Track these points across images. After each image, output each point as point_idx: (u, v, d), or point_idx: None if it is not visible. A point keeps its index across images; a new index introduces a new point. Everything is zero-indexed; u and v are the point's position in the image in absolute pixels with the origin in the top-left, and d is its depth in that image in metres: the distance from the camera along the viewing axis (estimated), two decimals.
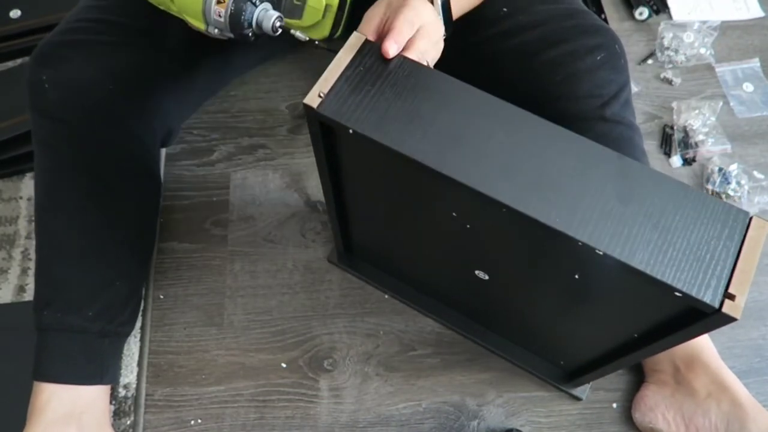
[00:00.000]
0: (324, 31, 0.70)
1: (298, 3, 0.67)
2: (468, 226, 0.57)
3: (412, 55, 0.53)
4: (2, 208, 0.99)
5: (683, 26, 1.10)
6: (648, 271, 0.44)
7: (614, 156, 0.49)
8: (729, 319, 0.44)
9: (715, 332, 0.81)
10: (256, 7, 0.55)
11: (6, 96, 1.01)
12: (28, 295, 0.92)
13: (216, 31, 0.55)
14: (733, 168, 0.98)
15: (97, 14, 0.75)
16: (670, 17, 1.14)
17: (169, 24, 0.76)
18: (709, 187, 0.97)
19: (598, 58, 0.74)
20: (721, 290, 0.44)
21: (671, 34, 1.09)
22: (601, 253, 0.45)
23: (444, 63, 0.60)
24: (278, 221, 0.97)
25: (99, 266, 0.78)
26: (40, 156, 0.76)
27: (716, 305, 0.44)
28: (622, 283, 0.51)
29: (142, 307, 0.89)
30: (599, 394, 0.85)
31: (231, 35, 0.56)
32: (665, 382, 0.79)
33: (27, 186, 1.00)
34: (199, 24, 0.56)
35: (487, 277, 0.66)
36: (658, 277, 0.44)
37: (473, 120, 0.50)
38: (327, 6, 0.68)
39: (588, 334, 0.68)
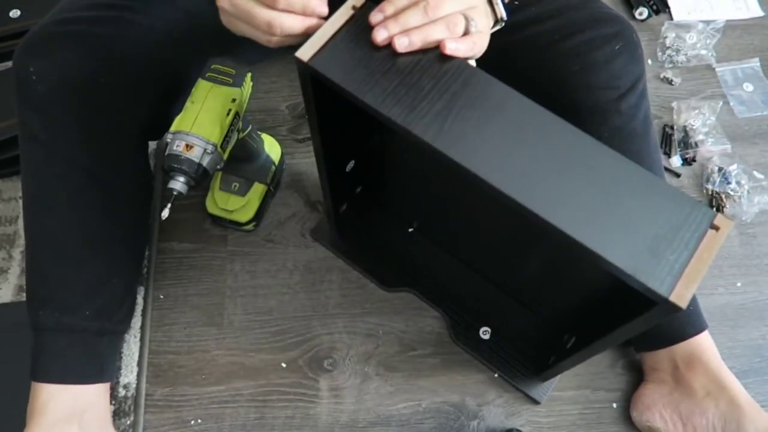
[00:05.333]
0: (215, 212, 0.90)
1: (234, 187, 0.89)
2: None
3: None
4: (2, 208, 0.99)
5: (687, 27, 1.10)
6: (605, 256, 0.45)
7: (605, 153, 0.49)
8: (675, 309, 0.44)
9: (715, 332, 0.81)
10: (181, 177, 0.68)
11: (6, 96, 1.01)
12: None
13: (168, 138, 0.68)
14: (733, 168, 0.98)
15: (88, 6, 0.73)
16: (670, 17, 1.14)
17: (164, 18, 0.75)
18: (709, 186, 0.97)
19: (616, 47, 0.71)
20: (670, 281, 0.44)
21: (674, 34, 1.09)
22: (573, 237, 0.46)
23: None
24: (278, 221, 0.97)
25: (94, 264, 0.77)
26: (29, 151, 0.74)
27: (666, 295, 0.44)
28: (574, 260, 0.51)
29: (142, 307, 0.89)
30: (599, 394, 0.85)
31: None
32: (664, 380, 0.79)
33: None
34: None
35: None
36: (614, 262, 0.45)
37: (473, 103, 0.50)
38: (231, 211, 0.89)
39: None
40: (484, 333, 0.85)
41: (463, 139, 0.48)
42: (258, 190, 0.89)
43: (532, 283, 0.82)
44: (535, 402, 0.83)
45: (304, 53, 0.51)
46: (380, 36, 0.50)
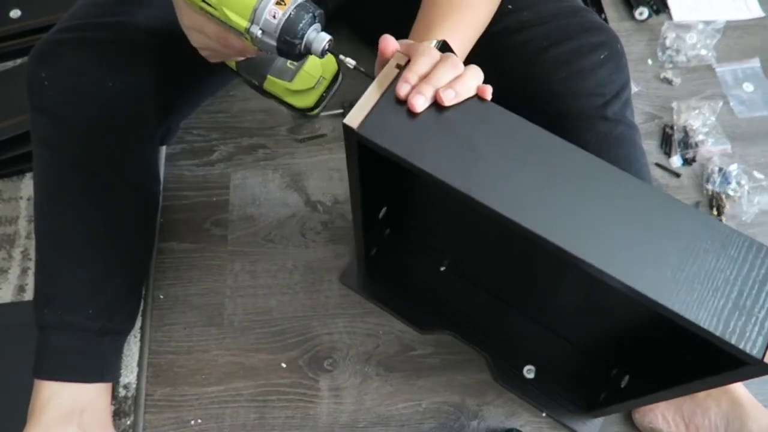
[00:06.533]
0: (309, 100, 0.69)
1: (292, 66, 0.66)
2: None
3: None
4: (2, 208, 0.99)
5: (687, 27, 1.10)
6: (690, 317, 0.43)
7: (663, 199, 0.47)
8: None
9: None
10: (315, 21, 0.52)
11: (6, 96, 1.01)
12: (28, 295, 0.92)
13: (259, 32, 0.51)
14: (733, 168, 0.98)
15: (96, 13, 0.75)
16: (670, 17, 1.14)
17: (170, 23, 0.76)
18: (709, 187, 0.97)
19: (602, 56, 0.74)
20: (762, 341, 0.42)
21: (674, 35, 1.09)
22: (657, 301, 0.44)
23: None
24: (278, 221, 0.97)
25: (99, 264, 0.78)
26: (40, 154, 0.76)
27: (760, 356, 0.42)
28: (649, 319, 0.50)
29: (141, 307, 0.89)
30: None
31: (273, 42, 0.51)
32: None
33: (27, 186, 1.00)
34: (239, 21, 0.51)
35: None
36: (702, 324, 0.42)
37: (527, 157, 0.48)
38: (321, 77, 0.67)
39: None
40: (528, 372, 0.82)
41: (527, 201, 0.46)
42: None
43: (573, 317, 0.79)
44: None
45: (353, 120, 0.48)
46: (418, 103, 0.48)
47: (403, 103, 0.49)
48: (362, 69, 0.54)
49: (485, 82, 0.52)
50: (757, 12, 1.15)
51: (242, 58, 0.63)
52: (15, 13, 1.09)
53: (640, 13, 1.14)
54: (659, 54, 1.10)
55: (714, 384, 0.51)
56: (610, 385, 0.76)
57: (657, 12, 1.15)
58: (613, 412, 0.76)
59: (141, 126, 0.79)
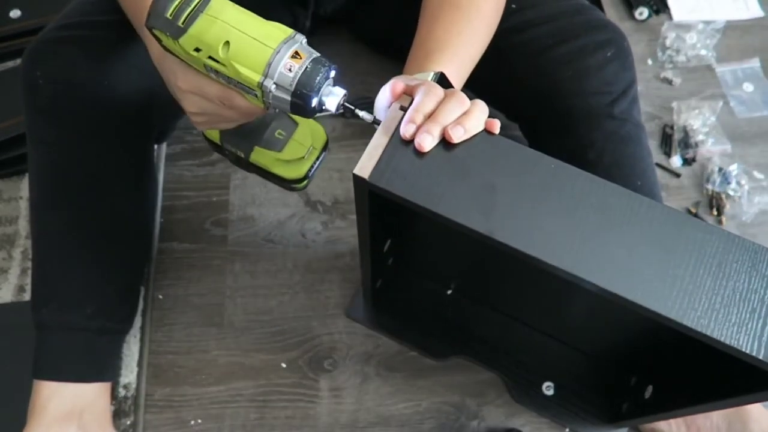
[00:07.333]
0: (300, 171, 0.66)
1: (281, 136, 0.64)
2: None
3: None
4: (2, 208, 0.99)
5: (687, 27, 1.10)
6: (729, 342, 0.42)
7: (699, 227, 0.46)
8: None
9: None
10: (330, 76, 0.49)
11: (6, 96, 1.01)
12: (28, 295, 0.91)
13: (273, 86, 0.48)
14: (733, 168, 0.98)
15: (91, 11, 0.74)
16: (670, 17, 1.14)
17: None
18: (709, 186, 0.97)
19: (608, 54, 0.73)
20: None
21: (674, 35, 1.09)
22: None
23: None
24: (278, 221, 0.97)
25: (97, 264, 0.78)
26: (36, 154, 0.76)
27: None
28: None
29: (141, 307, 0.89)
30: None
31: (287, 97, 0.49)
32: None
33: (27, 186, 1.00)
34: (251, 75, 0.48)
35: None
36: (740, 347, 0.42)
37: (545, 191, 0.47)
38: (311, 146, 0.65)
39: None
40: (547, 388, 0.81)
41: (551, 238, 0.45)
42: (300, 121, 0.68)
43: (586, 329, 0.77)
44: None
45: (363, 169, 0.46)
46: (426, 142, 0.46)
47: (410, 144, 0.47)
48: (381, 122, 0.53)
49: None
50: (757, 12, 1.15)
51: (234, 126, 0.60)
52: (15, 13, 1.09)
53: (640, 13, 1.14)
54: (659, 54, 1.10)
55: (749, 401, 0.50)
56: (632, 395, 0.75)
57: (657, 12, 1.15)
58: (641, 423, 0.75)
59: (137, 124, 0.79)
